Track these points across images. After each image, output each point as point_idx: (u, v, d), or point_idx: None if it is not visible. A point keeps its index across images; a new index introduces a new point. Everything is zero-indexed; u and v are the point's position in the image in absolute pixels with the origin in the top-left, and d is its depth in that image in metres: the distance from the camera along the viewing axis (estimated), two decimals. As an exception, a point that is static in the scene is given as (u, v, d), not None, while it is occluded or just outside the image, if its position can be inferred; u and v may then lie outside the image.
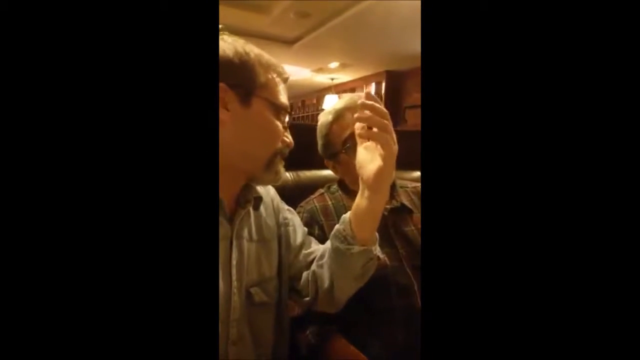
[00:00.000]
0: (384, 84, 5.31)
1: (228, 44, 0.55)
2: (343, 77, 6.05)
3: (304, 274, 0.66)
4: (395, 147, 0.54)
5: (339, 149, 0.82)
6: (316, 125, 0.88)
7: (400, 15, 3.23)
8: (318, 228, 0.78)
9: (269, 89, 0.57)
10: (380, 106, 0.53)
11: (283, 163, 0.61)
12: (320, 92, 6.77)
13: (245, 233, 0.61)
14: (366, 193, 0.56)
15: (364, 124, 0.54)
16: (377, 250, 0.60)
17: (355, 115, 0.54)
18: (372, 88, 5.57)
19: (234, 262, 0.58)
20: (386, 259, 0.76)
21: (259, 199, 0.64)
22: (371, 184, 0.54)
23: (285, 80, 0.60)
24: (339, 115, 0.83)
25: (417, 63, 4.56)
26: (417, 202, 0.89)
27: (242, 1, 3.09)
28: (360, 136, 0.56)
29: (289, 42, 4.26)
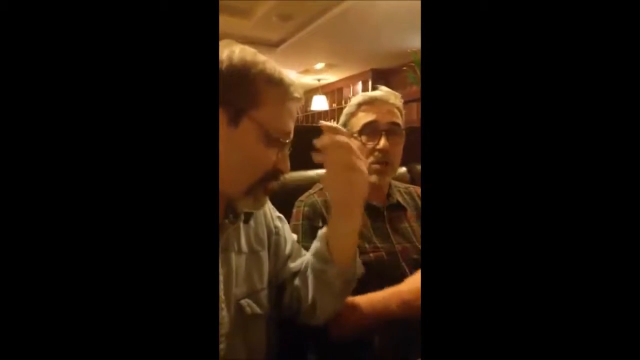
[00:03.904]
0: (370, 83, 5.33)
1: (229, 52, 0.49)
2: (329, 78, 6.06)
3: (288, 287, 0.65)
4: (364, 173, 0.50)
5: (355, 130, 0.83)
6: (302, 125, 0.87)
7: (383, 13, 3.25)
8: (322, 221, 0.78)
9: (267, 110, 0.50)
10: (340, 136, 0.49)
11: (268, 190, 0.56)
12: (308, 94, 6.77)
13: (235, 246, 0.59)
14: (336, 217, 0.54)
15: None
16: (358, 266, 0.59)
17: (315, 149, 0.50)
18: (358, 87, 5.59)
19: (220, 276, 0.55)
20: (384, 253, 0.79)
21: (249, 214, 0.62)
22: (339, 208, 0.53)
23: (296, 100, 0.54)
24: (370, 100, 0.84)
25: (402, 60, 4.58)
26: (410, 201, 0.93)
27: (223, 4, 3.08)
28: (319, 160, 0.51)
29: (273, 45, 4.25)
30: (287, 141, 0.54)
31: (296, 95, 0.53)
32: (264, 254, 0.63)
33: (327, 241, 0.56)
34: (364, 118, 0.83)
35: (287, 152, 0.55)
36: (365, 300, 0.67)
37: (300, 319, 0.64)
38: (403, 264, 0.79)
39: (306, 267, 0.62)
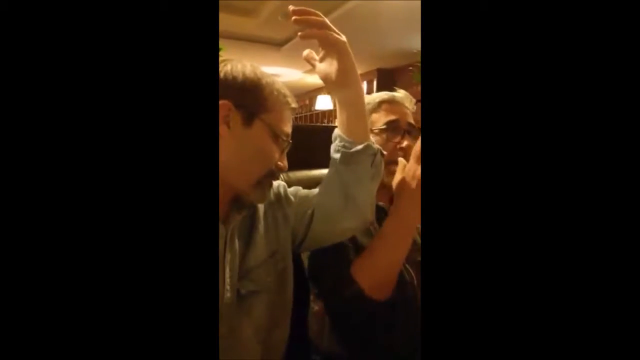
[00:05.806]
0: (375, 82, 5.32)
1: (241, 66, 0.59)
2: (334, 77, 6.05)
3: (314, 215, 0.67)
4: (343, 38, 0.57)
5: (376, 126, 0.85)
6: (307, 125, 0.88)
7: (389, 13, 3.24)
8: None
9: (274, 114, 0.60)
10: (311, 10, 0.55)
11: (272, 185, 0.65)
12: (312, 93, 6.77)
13: (237, 233, 0.63)
14: (341, 94, 0.61)
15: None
16: (376, 145, 0.63)
17: (293, 18, 0.57)
18: (363, 86, 5.58)
19: (227, 264, 0.59)
20: None
21: (253, 207, 0.66)
22: (339, 80, 0.58)
23: (292, 110, 0.64)
24: (392, 99, 0.86)
25: (407, 60, 4.57)
26: None
27: (229, 4, 3.08)
28: (304, 37, 0.58)
29: (278, 44, 4.26)
30: (289, 141, 0.63)
31: (293, 105, 0.64)
32: (260, 226, 0.66)
33: (337, 135, 0.63)
34: (386, 116, 0.84)
35: (285, 152, 0.64)
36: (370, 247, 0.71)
37: (344, 227, 0.66)
38: (408, 265, 0.78)
39: (320, 186, 0.67)
